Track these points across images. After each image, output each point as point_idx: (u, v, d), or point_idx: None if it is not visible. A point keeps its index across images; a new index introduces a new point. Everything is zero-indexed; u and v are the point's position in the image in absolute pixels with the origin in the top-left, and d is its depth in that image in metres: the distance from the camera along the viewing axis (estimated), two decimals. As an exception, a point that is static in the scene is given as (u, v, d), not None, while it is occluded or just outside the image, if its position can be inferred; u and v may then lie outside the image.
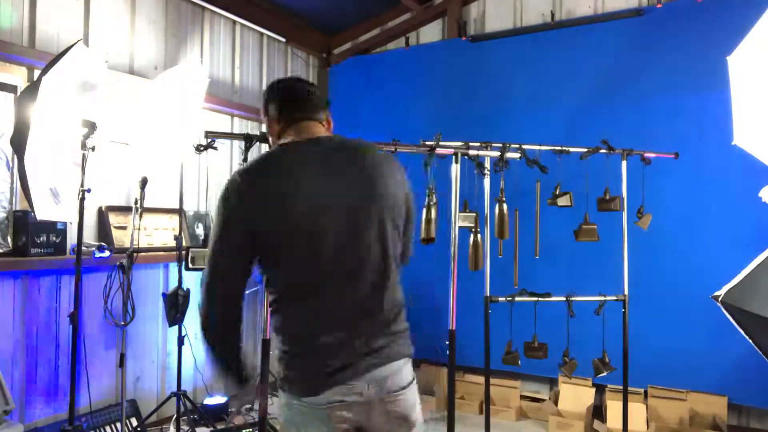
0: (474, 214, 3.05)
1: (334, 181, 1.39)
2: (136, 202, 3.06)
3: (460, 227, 2.91)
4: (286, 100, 1.54)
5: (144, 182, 3.09)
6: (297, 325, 1.40)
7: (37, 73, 2.88)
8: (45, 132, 2.48)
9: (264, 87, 4.72)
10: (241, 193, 1.36)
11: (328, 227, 1.35)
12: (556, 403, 4.06)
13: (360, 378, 1.36)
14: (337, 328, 1.37)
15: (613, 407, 3.72)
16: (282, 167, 1.38)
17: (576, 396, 3.97)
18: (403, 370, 1.44)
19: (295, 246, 1.36)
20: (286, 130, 1.52)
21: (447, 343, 2.79)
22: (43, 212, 2.53)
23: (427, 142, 2.87)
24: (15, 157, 2.74)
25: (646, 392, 3.81)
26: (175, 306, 3.37)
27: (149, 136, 3.36)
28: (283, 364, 1.41)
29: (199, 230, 4.06)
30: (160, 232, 3.74)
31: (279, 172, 1.37)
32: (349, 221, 1.37)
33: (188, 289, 3.43)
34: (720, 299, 2.23)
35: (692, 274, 3.68)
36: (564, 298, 3.13)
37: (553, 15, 4.34)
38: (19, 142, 2.39)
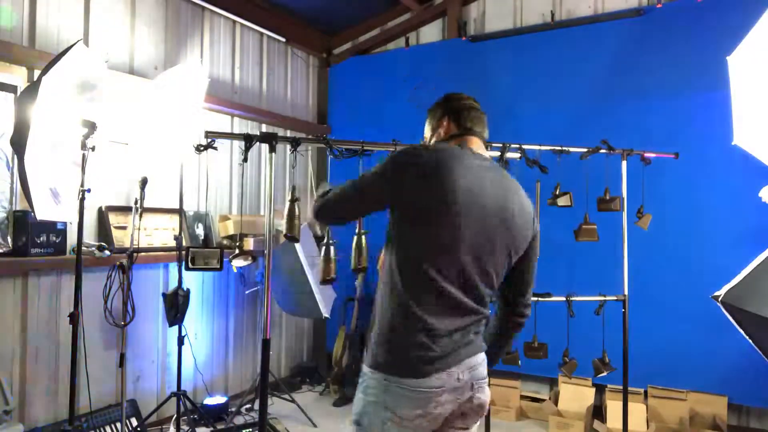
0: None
1: (484, 192, 1.55)
2: (136, 202, 3.07)
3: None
4: (470, 114, 1.74)
5: (144, 182, 3.09)
6: (412, 308, 1.49)
7: (37, 73, 2.88)
8: (45, 132, 2.48)
9: (265, 87, 4.76)
10: (416, 160, 1.52)
11: (466, 227, 1.50)
12: (556, 403, 4.06)
13: (459, 365, 1.51)
14: (447, 319, 1.51)
15: (613, 407, 3.72)
16: (452, 159, 1.53)
17: (576, 396, 3.98)
18: (484, 363, 1.62)
19: (434, 230, 1.50)
20: (456, 137, 1.70)
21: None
22: (43, 212, 2.53)
23: (427, 142, 2.87)
24: (15, 157, 2.74)
25: (646, 392, 3.81)
26: (175, 306, 3.37)
27: (149, 136, 3.35)
28: (385, 344, 1.52)
29: (199, 230, 4.06)
30: (160, 232, 3.74)
31: (449, 161, 1.52)
32: (481, 229, 1.53)
33: (188, 289, 3.43)
34: (720, 299, 2.23)
35: (692, 274, 3.68)
36: (564, 298, 3.13)
37: (553, 15, 4.34)
38: (19, 142, 2.39)
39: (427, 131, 1.81)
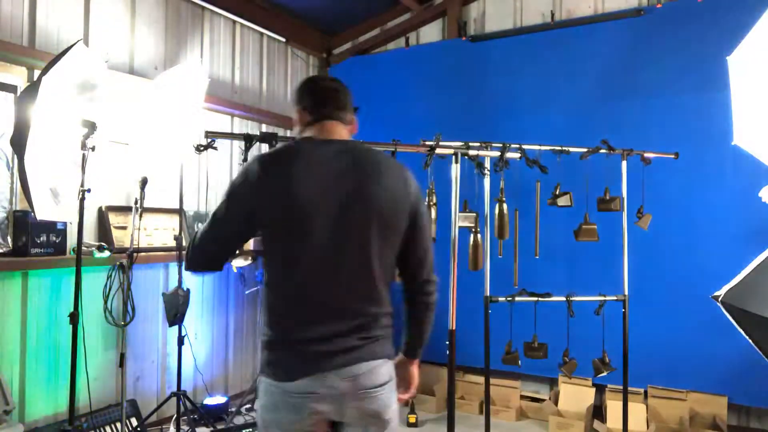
0: (474, 214, 3.04)
1: (332, 183, 1.48)
2: (136, 202, 3.06)
3: (460, 227, 2.91)
4: (318, 97, 1.64)
5: (144, 182, 3.09)
6: (280, 312, 1.50)
7: (37, 73, 2.88)
8: (45, 132, 2.48)
9: (265, 87, 4.75)
10: (252, 175, 1.49)
11: (316, 225, 1.45)
12: (556, 403, 4.06)
13: (333, 371, 1.44)
14: (315, 323, 1.46)
15: (613, 407, 3.72)
16: (291, 160, 1.50)
17: (576, 396, 3.98)
18: (380, 369, 1.51)
19: (284, 236, 1.47)
20: (312, 124, 1.62)
21: (447, 343, 2.79)
22: (43, 212, 2.53)
23: (427, 142, 2.87)
24: (15, 157, 2.74)
25: (646, 392, 3.81)
26: (175, 306, 3.37)
27: (149, 136, 3.35)
28: (264, 346, 1.51)
29: (199, 230, 4.05)
30: (160, 232, 3.74)
31: (288, 163, 1.49)
32: (336, 223, 1.46)
33: (188, 289, 3.43)
34: (720, 299, 2.23)
35: (692, 274, 3.68)
36: (564, 298, 3.13)
37: (553, 15, 4.34)
38: (19, 142, 2.39)
39: (294, 123, 1.71)
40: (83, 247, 2.64)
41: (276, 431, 1.47)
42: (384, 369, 1.52)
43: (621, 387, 3.29)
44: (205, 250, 1.57)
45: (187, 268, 1.64)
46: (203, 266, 1.62)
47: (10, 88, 2.98)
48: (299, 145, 1.55)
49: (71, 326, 2.53)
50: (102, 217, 3.40)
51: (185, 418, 3.52)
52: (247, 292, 4.40)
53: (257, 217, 1.48)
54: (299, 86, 1.69)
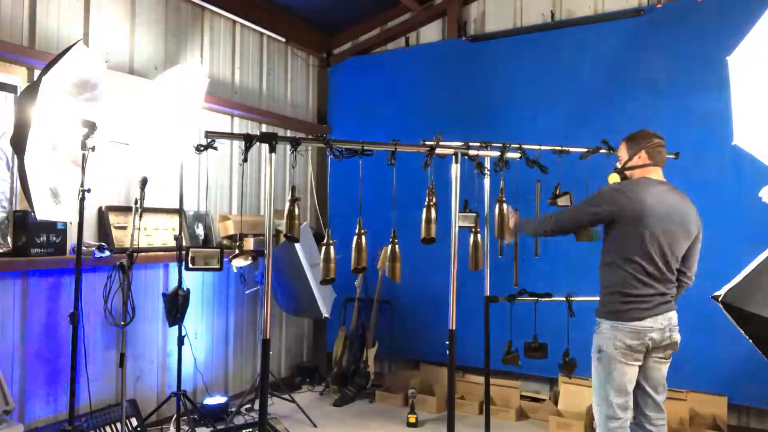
0: (474, 214, 3.05)
1: (664, 208, 2.42)
2: (136, 202, 3.07)
3: (460, 227, 2.91)
4: (660, 152, 2.58)
5: (144, 182, 3.09)
6: (629, 280, 2.44)
7: (37, 73, 2.88)
8: (45, 132, 2.48)
9: (265, 87, 4.76)
10: (615, 192, 2.47)
11: (658, 231, 2.40)
12: (556, 403, 4.06)
13: (661, 315, 2.43)
14: (651, 286, 2.42)
15: (613, 407, 3.71)
16: (643, 189, 2.46)
17: (576, 396, 3.97)
18: (675, 315, 2.50)
19: (639, 235, 2.40)
20: (645, 167, 2.54)
21: (447, 343, 2.79)
22: (43, 212, 2.53)
23: (427, 142, 2.87)
24: (15, 157, 2.74)
25: (646, 392, 3.80)
26: (175, 306, 3.37)
27: (149, 136, 3.35)
28: (616, 301, 2.47)
29: (199, 230, 4.06)
30: (160, 232, 3.74)
31: (640, 190, 2.45)
32: (668, 229, 2.42)
33: (188, 289, 3.43)
34: (720, 299, 2.22)
35: (692, 274, 3.67)
36: (564, 298, 3.13)
37: (553, 15, 4.34)
38: (19, 142, 2.39)
39: (624, 154, 2.60)
40: (83, 247, 2.64)
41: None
42: (676, 315, 2.50)
43: (621, 387, 3.28)
44: (561, 227, 2.74)
45: (552, 234, 2.74)
46: (553, 233, 2.75)
47: (10, 88, 2.98)
48: (645, 181, 2.51)
49: (71, 326, 2.53)
50: (102, 217, 3.40)
51: (185, 418, 3.52)
52: (247, 292, 4.40)
53: (614, 220, 2.51)
54: (647, 137, 2.59)
